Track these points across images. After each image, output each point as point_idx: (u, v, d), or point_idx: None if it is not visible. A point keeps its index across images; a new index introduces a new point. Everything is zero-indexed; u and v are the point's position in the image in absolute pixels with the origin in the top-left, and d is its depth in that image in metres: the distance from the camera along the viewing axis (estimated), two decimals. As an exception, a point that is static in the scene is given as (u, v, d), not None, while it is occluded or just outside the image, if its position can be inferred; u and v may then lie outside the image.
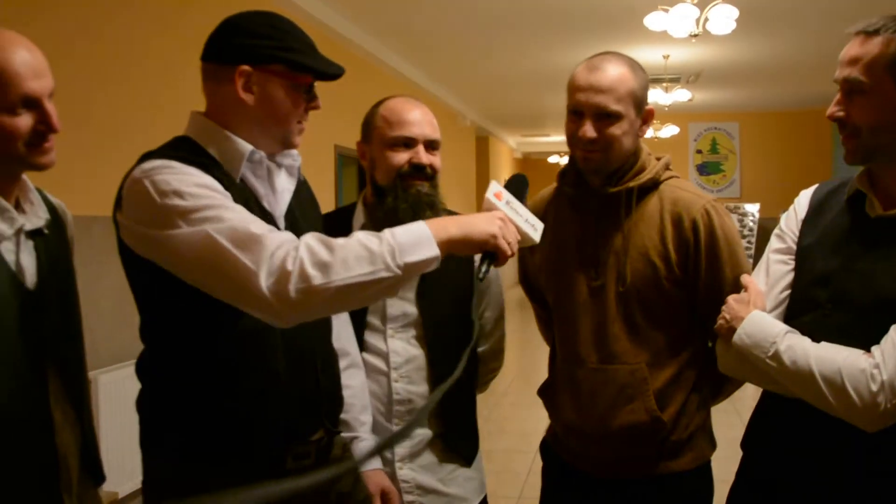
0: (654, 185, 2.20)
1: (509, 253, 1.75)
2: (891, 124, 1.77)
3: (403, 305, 2.32)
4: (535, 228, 1.87)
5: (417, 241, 1.63)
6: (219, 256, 1.58)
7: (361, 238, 1.61)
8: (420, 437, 2.30)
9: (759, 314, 1.88)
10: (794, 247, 1.98)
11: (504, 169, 19.29)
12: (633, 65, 2.19)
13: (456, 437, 2.36)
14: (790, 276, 1.96)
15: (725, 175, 15.48)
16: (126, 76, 4.79)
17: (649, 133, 12.98)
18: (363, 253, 1.58)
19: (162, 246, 1.65)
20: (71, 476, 1.87)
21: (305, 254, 1.56)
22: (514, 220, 1.81)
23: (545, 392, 2.42)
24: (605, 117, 2.12)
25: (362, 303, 1.70)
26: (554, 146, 21.21)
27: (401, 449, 2.28)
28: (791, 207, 2.04)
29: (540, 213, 2.40)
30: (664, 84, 11.11)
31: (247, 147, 1.84)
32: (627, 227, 2.18)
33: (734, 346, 1.87)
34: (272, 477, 1.78)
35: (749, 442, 2.08)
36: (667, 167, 2.25)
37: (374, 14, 7.79)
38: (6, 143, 1.73)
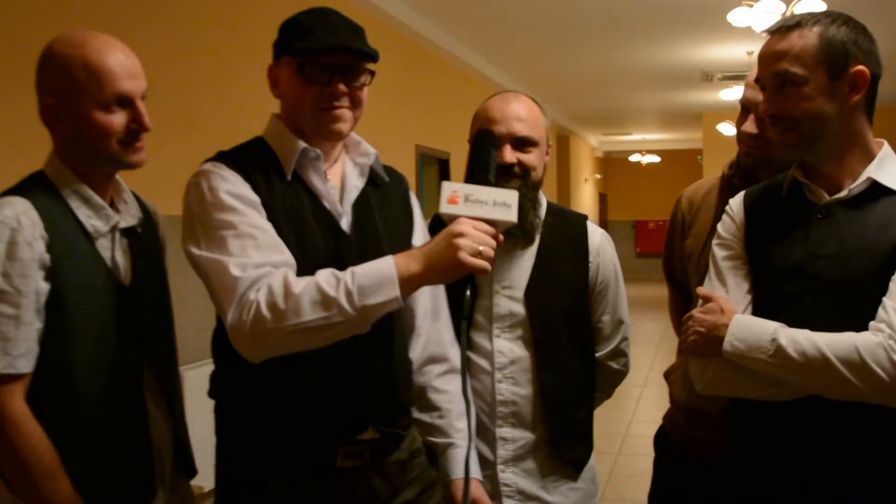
0: None
1: (482, 267, 1.62)
2: (826, 114, 1.78)
3: (511, 304, 2.25)
4: (507, 206, 1.67)
5: (380, 282, 1.64)
6: (209, 287, 1.75)
7: (321, 281, 1.65)
8: (524, 441, 2.23)
9: (742, 316, 1.81)
10: (742, 251, 1.94)
11: (585, 167, 19.15)
12: None
13: (564, 443, 2.27)
14: (748, 280, 1.91)
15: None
16: (225, 81, 4.91)
17: (733, 131, 12.71)
18: (318, 297, 1.63)
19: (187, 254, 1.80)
20: (164, 467, 1.95)
21: (263, 298, 1.65)
22: (480, 215, 1.66)
23: (671, 374, 2.42)
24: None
25: (327, 341, 1.70)
26: (636, 145, 20.99)
27: (504, 451, 2.22)
28: (724, 216, 2.02)
29: (696, 203, 2.46)
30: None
31: (299, 145, 1.87)
32: None
33: (725, 355, 1.78)
34: (323, 472, 1.82)
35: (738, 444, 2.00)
36: None
37: (455, 13, 7.80)
38: (101, 140, 1.82)
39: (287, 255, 1.75)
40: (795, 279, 1.82)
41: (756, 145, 2.22)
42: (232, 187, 1.78)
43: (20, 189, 1.81)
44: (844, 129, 1.81)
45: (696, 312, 1.88)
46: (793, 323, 1.76)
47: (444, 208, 1.66)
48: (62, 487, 1.74)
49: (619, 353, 2.40)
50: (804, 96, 1.78)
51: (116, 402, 1.84)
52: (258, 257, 1.70)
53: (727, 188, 2.37)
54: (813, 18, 1.81)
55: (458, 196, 1.65)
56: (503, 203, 1.65)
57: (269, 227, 1.77)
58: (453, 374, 2.13)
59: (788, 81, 1.78)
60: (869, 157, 1.84)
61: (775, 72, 1.80)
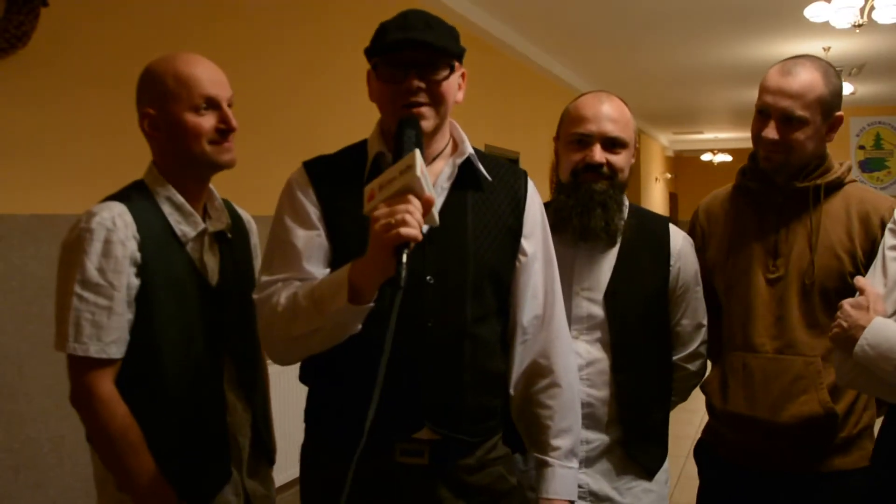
0: (838, 185, 2.24)
1: (401, 236, 1.52)
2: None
3: (590, 307, 2.24)
4: (409, 168, 1.57)
5: (337, 288, 1.67)
6: None
7: (300, 294, 1.73)
8: (598, 443, 2.21)
9: (881, 321, 1.76)
10: None
11: (655, 166, 18.95)
12: (828, 71, 2.21)
13: (638, 446, 2.25)
14: None
15: (890, 171, 14.70)
16: (304, 86, 4.99)
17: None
18: (296, 310, 1.73)
19: None
20: (241, 453, 2.08)
21: (265, 314, 1.80)
22: (390, 193, 1.58)
23: (709, 384, 2.38)
24: (790, 121, 2.16)
25: (324, 346, 1.77)
26: (707, 143, 20.67)
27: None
28: None
29: (715, 212, 2.43)
30: (825, 77, 10.66)
31: (374, 149, 1.91)
32: (815, 222, 2.20)
33: (856, 358, 1.75)
34: (384, 466, 1.84)
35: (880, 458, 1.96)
36: (849, 171, 2.28)
37: (524, 13, 7.80)
38: (193, 141, 1.99)
39: (300, 270, 1.82)
40: None
41: (777, 150, 2.18)
42: (291, 200, 1.89)
43: (120, 195, 2.00)
44: None
45: (846, 304, 1.85)
46: None
47: (366, 208, 1.62)
48: (144, 462, 1.90)
49: (697, 356, 2.37)
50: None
51: (197, 389, 1.99)
52: (277, 273, 1.83)
53: (743, 195, 2.35)
54: None
55: (374, 190, 1.62)
56: (406, 168, 1.57)
57: (303, 240, 1.84)
58: (557, 389, 2.01)
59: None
60: None
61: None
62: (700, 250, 2.41)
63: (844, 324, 1.80)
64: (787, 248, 2.22)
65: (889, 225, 1.94)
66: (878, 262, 1.92)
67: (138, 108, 2.04)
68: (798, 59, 2.21)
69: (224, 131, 2.01)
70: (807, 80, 2.15)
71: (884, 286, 1.85)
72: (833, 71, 2.21)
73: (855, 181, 2.28)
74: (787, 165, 2.19)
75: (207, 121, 1.99)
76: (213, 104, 2.00)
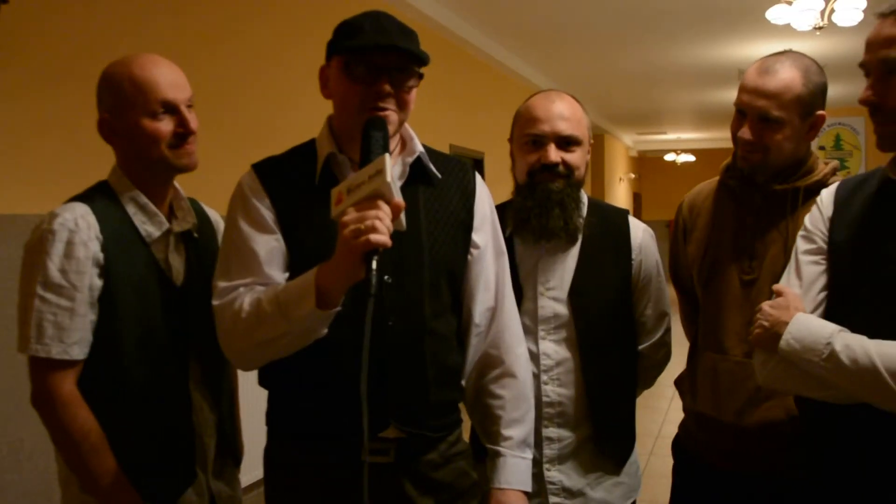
0: (819, 188, 2.13)
1: (370, 243, 1.51)
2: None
3: (555, 306, 2.26)
4: (379, 173, 1.56)
5: (302, 293, 1.66)
6: None
7: (264, 299, 1.72)
8: (570, 440, 2.24)
9: (804, 316, 1.78)
10: (825, 246, 1.89)
11: (619, 167, 19.06)
12: (809, 69, 2.15)
13: (607, 440, 2.28)
14: (825, 276, 1.87)
15: (850, 171, 14.89)
16: (256, 82, 4.96)
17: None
18: (259, 315, 1.72)
19: None
20: (207, 453, 2.08)
21: (229, 318, 1.78)
22: (359, 197, 1.57)
23: (682, 382, 2.40)
24: (766, 122, 2.11)
25: (289, 350, 1.76)
26: (670, 144, 20.83)
27: (549, 451, 2.23)
28: (814, 207, 1.96)
29: (697, 206, 2.40)
30: (786, 79, 10.78)
31: (325, 150, 1.89)
32: (792, 226, 2.15)
33: (781, 353, 1.76)
34: (351, 465, 1.79)
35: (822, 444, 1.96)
36: (834, 172, 2.22)
37: (489, 13, 7.82)
38: (152, 145, 1.98)
39: (261, 275, 1.81)
40: (872, 280, 1.77)
41: (753, 150, 2.14)
42: (244, 204, 1.87)
43: (83, 196, 2.00)
44: None
45: (765, 305, 1.85)
46: (864, 326, 1.71)
47: (333, 212, 1.60)
48: (106, 463, 1.90)
49: (662, 345, 2.40)
50: None
51: (161, 390, 1.98)
52: (237, 279, 1.82)
53: (724, 192, 2.33)
54: None
55: (342, 193, 1.60)
56: (375, 173, 1.56)
57: (262, 245, 1.83)
58: (509, 379, 2.03)
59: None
60: None
61: (884, 58, 1.71)
62: (682, 243, 2.41)
63: (766, 323, 1.81)
64: (763, 251, 2.19)
65: (801, 232, 1.95)
66: (791, 266, 1.93)
67: (98, 112, 2.03)
68: (779, 57, 2.16)
69: (183, 135, 2.00)
70: (784, 80, 2.10)
71: (800, 288, 1.87)
72: (816, 68, 2.16)
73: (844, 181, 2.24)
74: (764, 166, 2.15)
75: (165, 125, 1.98)
76: (170, 108, 1.98)
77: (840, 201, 1.91)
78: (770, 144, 2.11)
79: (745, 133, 2.13)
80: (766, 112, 2.10)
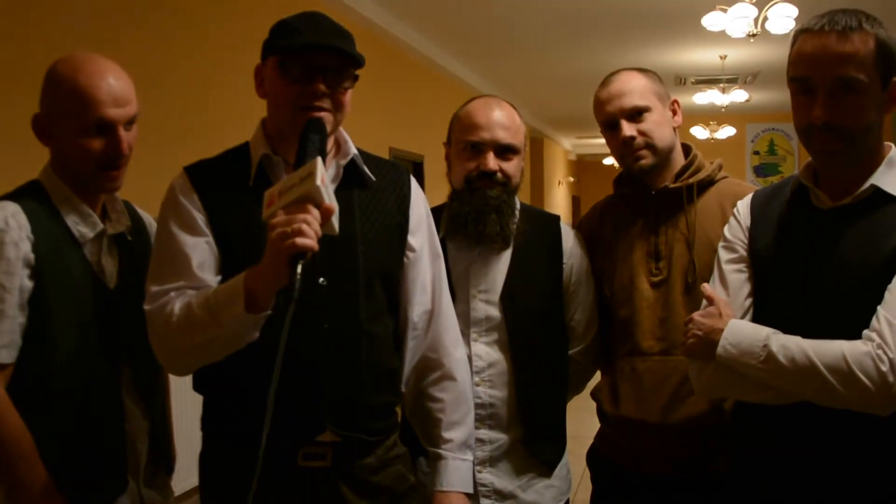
0: (710, 182, 2.29)
1: (296, 246, 1.50)
2: (874, 124, 1.75)
3: (487, 309, 2.27)
4: (309, 176, 1.54)
5: (232, 296, 1.65)
6: None
7: (194, 302, 1.71)
8: (501, 442, 2.24)
9: (737, 321, 1.82)
10: (746, 254, 1.94)
11: (558, 170, 19.20)
12: (643, 70, 2.38)
13: (538, 442, 2.29)
14: (750, 283, 1.92)
15: (783, 176, 15.16)
16: (210, 88, 4.89)
17: (705, 135, 12.85)
18: (190, 319, 1.70)
19: None
20: (139, 461, 2.02)
21: (160, 322, 1.75)
22: (289, 201, 1.55)
23: (600, 391, 2.40)
24: (638, 113, 2.26)
25: (223, 353, 1.74)
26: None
27: (481, 453, 2.22)
28: (731, 218, 2.02)
29: (595, 223, 2.47)
30: (721, 85, 10.97)
31: (259, 151, 1.88)
32: (690, 220, 2.24)
33: (719, 360, 1.79)
34: (287, 470, 1.81)
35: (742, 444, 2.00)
36: (720, 169, 2.33)
37: (429, 16, 7.82)
38: (79, 163, 1.93)
39: (192, 278, 1.78)
40: (795, 285, 1.82)
41: (641, 145, 2.27)
42: (175, 207, 1.84)
43: (14, 195, 1.93)
44: (874, 138, 1.78)
45: (696, 315, 1.88)
46: (792, 328, 1.75)
47: (264, 214, 1.58)
48: (35, 472, 1.83)
49: (592, 350, 2.41)
50: (863, 106, 1.71)
51: (92, 396, 1.92)
52: (168, 282, 1.78)
53: (620, 204, 2.42)
54: (866, 18, 1.72)
55: (274, 196, 1.58)
56: (307, 175, 1.55)
57: (193, 248, 1.80)
58: (448, 382, 2.05)
59: (853, 89, 1.70)
60: (878, 161, 1.79)
61: (839, 76, 1.70)
62: (598, 265, 2.42)
63: (699, 332, 1.84)
64: (668, 250, 2.25)
65: (721, 243, 2.00)
66: (715, 276, 1.97)
67: (39, 106, 1.96)
68: (612, 74, 2.42)
69: (113, 157, 1.94)
70: (628, 78, 2.35)
71: (726, 296, 1.91)
72: (648, 70, 2.40)
73: (728, 177, 2.34)
74: (656, 156, 2.27)
75: (96, 144, 1.91)
76: (105, 127, 1.91)
77: (757, 210, 1.97)
78: (649, 132, 2.27)
79: (627, 130, 2.27)
80: (634, 105, 2.29)
